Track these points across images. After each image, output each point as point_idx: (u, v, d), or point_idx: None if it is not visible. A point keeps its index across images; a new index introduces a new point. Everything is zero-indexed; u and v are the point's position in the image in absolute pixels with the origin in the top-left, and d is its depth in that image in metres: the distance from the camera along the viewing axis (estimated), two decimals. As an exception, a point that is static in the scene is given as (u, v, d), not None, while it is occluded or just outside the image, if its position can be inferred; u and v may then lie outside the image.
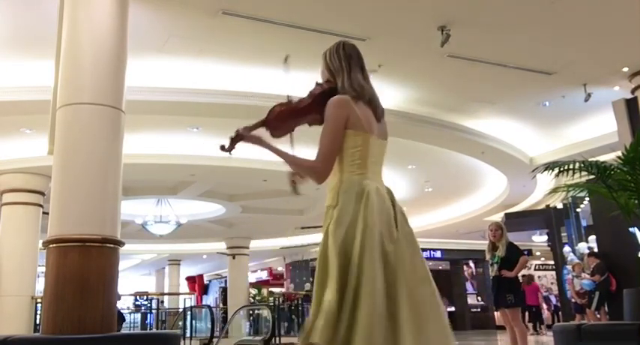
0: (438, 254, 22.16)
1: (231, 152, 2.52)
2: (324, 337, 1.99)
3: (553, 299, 18.61)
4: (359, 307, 2.03)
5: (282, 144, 2.50)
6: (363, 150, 2.31)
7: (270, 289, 23.83)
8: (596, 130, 10.25)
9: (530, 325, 15.29)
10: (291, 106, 2.46)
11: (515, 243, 6.67)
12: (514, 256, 6.40)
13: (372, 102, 2.39)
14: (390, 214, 2.25)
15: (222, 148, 2.53)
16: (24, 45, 6.95)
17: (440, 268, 23.95)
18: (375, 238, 2.14)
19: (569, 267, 12.25)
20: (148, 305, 22.57)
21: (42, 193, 10.75)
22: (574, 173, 5.10)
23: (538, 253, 21.75)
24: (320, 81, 2.54)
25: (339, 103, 2.32)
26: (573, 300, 11.19)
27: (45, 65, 6.34)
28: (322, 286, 2.15)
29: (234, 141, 2.51)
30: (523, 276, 15.23)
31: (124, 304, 21.75)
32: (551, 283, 19.43)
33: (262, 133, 2.50)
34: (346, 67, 2.45)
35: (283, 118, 2.46)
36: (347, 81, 2.41)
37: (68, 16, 5.16)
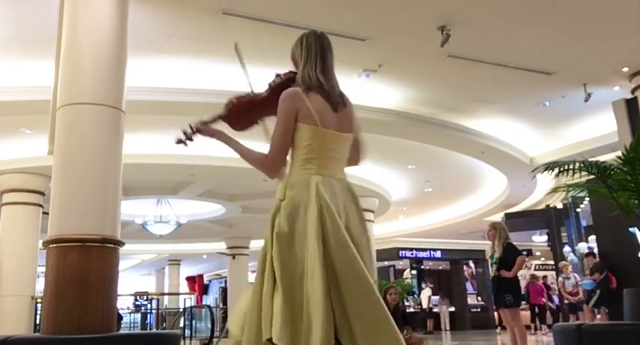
0: (438, 254, 22.17)
1: (187, 144, 2.47)
2: (283, 338, 2.03)
3: (556, 299, 18.60)
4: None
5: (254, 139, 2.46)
6: (315, 144, 2.26)
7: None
8: (596, 130, 10.25)
9: (531, 324, 15.27)
10: (247, 99, 2.46)
11: (515, 243, 6.68)
12: (512, 256, 6.40)
13: (327, 93, 2.31)
14: (336, 211, 2.16)
15: (178, 141, 2.48)
16: (24, 45, 6.95)
17: (440, 268, 23.97)
18: (316, 230, 2.11)
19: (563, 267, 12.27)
20: (148, 305, 22.57)
21: (42, 193, 10.75)
22: (574, 173, 5.10)
23: (538, 253, 21.76)
24: (280, 72, 2.53)
25: (289, 96, 2.28)
26: (567, 301, 11.20)
27: (45, 65, 6.34)
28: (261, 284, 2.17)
29: (189, 135, 2.46)
30: (533, 277, 15.25)
31: (124, 304, 21.74)
32: (552, 283, 19.40)
33: (223, 126, 2.47)
34: (305, 57, 2.43)
35: (242, 111, 2.45)
36: (304, 72, 2.37)
37: (68, 16, 5.16)
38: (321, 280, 2.02)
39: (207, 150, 10.49)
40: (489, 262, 6.65)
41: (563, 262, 11.93)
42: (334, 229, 2.11)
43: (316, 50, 2.42)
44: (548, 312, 15.83)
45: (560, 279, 11.70)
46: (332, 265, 2.07)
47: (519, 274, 6.71)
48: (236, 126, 2.48)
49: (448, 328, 19.85)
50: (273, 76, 2.49)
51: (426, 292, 20.71)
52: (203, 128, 2.48)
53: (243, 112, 2.44)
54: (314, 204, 2.14)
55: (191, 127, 2.45)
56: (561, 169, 5.14)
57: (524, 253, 7.35)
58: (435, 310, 20.29)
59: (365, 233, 2.28)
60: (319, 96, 2.29)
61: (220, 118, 2.46)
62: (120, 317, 12.18)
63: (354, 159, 2.47)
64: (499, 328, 17.13)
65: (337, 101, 2.33)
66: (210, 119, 2.46)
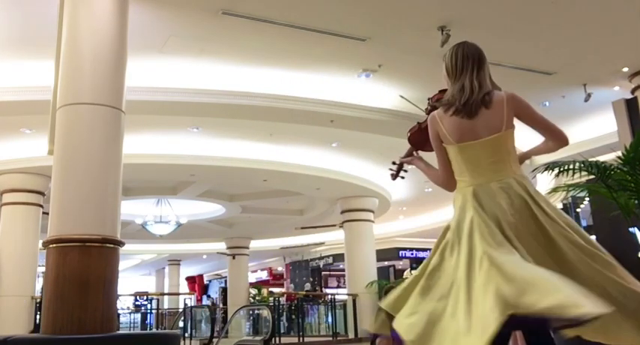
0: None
1: (403, 177, 2.84)
2: None
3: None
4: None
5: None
6: (460, 159, 2.39)
7: (270, 289, 23.82)
8: (596, 130, 10.24)
9: None
10: (417, 128, 2.70)
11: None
12: None
13: (462, 105, 2.39)
14: (497, 210, 2.22)
15: (394, 176, 2.85)
16: (24, 45, 6.95)
17: (440, 268, 23.94)
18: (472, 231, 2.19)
19: None
20: (148, 305, 22.57)
21: (42, 193, 10.75)
22: (574, 173, 5.10)
23: (538, 253, 21.71)
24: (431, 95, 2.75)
25: (429, 122, 2.48)
26: None
27: (45, 65, 6.34)
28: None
29: (398, 168, 2.83)
30: None
31: (124, 304, 21.74)
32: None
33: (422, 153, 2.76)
34: (452, 74, 2.52)
35: (419, 138, 2.67)
36: (448, 91, 2.50)
37: (68, 16, 5.17)
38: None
39: (207, 150, 10.54)
40: None
41: None
42: (484, 234, 2.15)
43: (462, 62, 2.50)
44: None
45: None
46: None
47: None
48: (426, 148, 2.67)
49: None
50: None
51: None
52: (404, 160, 2.76)
53: (421, 138, 2.64)
54: (466, 216, 2.25)
55: (395, 163, 2.81)
56: (561, 169, 5.14)
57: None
58: None
59: (551, 221, 2.24)
60: (454, 111, 2.39)
61: (412, 149, 2.74)
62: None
63: (551, 140, 2.61)
64: None
65: (471, 109, 2.38)
66: (406, 152, 2.76)
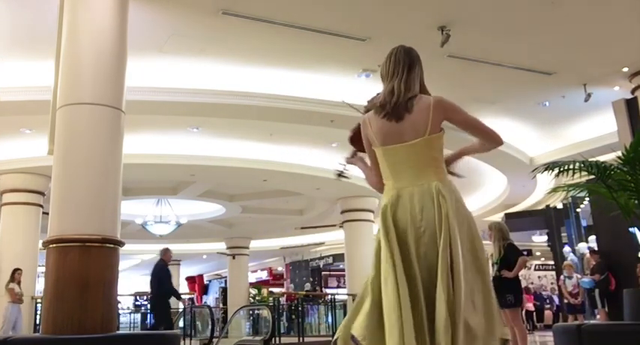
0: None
1: (348, 177, 2.85)
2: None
3: (556, 299, 18.64)
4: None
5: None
6: (385, 162, 2.43)
7: (270, 289, 23.83)
8: (596, 130, 10.24)
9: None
10: (355, 129, 2.68)
11: (515, 243, 6.67)
12: (513, 256, 6.40)
13: (386, 110, 2.41)
14: (413, 215, 2.29)
15: (338, 175, 2.86)
16: (24, 45, 6.95)
17: (440, 268, 23.95)
18: (389, 245, 2.27)
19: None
20: (148, 305, 22.55)
21: (42, 193, 10.75)
22: (574, 173, 5.09)
23: (538, 253, 21.74)
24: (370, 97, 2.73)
25: (361, 125, 2.53)
26: (566, 301, 11.20)
27: (45, 65, 6.34)
28: None
29: (343, 168, 2.84)
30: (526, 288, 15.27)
31: (124, 304, 21.72)
32: (552, 284, 19.40)
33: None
34: (385, 77, 2.54)
35: (359, 139, 2.63)
36: (380, 94, 2.53)
37: (68, 16, 5.17)
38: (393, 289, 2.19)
39: (207, 150, 10.54)
40: (490, 262, 6.63)
41: (567, 262, 11.92)
42: (394, 243, 2.27)
43: (396, 65, 2.55)
44: (545, 313, 15.94)
45: (561, 277, 11.69)
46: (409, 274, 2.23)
47: (520, 274, 6.70)
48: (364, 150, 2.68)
49: None
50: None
51: None
52: (349, 160, 2.77)
53: (358, 139, 2.63)
54: (381, 223, 2.33)
55: (341, 163, 2.82)
56: (561, 169, 5.13)
57: (524, 253, 7.33)
58: None
59: (449, 228, 2.26)
60: (384, 114, 2.42)
61: (353, 149, 2.75)
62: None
63: (486, 141, 2.57)
64: None
65: (396, 113, 2.40)
66: (350, 153, 2.77)
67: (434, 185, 2.32)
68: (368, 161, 2.60)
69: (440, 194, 2.29)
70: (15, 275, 9.71)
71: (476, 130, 2.53)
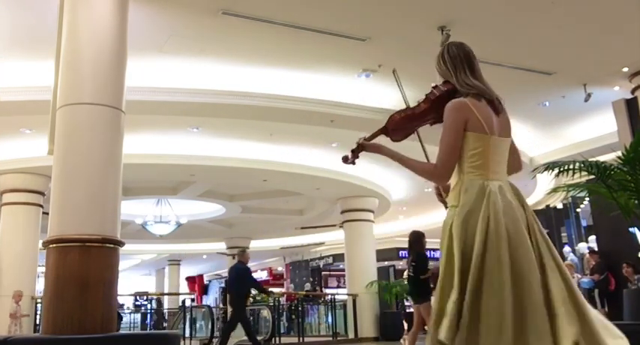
0: (438, 254, 22.08)
1: (355, 163, 2.52)
2: (448, 336, 2.07)
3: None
4: (480, 307, 2.09)
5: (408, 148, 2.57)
6: (484, 151, 2.31)
7: (270, 289, 23.81)
8: (596, 130, 10.24)
9: None
10: (409, 113, 2.53)
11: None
12: None
13: (489, 99, 2.38)
14: (515, 212, 2.23)
15: (345, 159, 2.54)
16: (24, 45, 6.95)
17: (440, 268, 23.94)
18: (500, 236, 2.16)
19: None
20: (148, 305, 22.57)
21: (42, 193, 10.75)
22: (574, 173, 5.09)
23: (538, 253, 21.72)
24: (435, 84, 2.59)
25: (457, 107, 2.34)
26: None
27: (45, 65, 6.34)
28: (445, 287, 2.19)
29: (355, 152, 2.52)
30: None
31: (124, 304, 21.72)
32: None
33: (381, 139, 2.53)
34: (453, 68, 2.48)
35: (402, 124, 2.53)
36: (460, 81, 2.43)
37: (68, 16, 5.17)
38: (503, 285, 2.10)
39: (207, 150, 10.54)
40: None
41: (567, 262, 11.93)
42: (514, 230, 2.18)
43: (462, 58, 2.51)
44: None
45: None
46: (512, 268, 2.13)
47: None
48: (395, 137, 2.54)
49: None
50: (430, 88, 2.57)
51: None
52: (367, 144, 2.50)
53: (403, 124, 2.52)
54: (493, 207, 2.20)
55: (357, 144, 2.51)
56: (561, 169, 5.13)
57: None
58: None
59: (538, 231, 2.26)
60: (484, 102, 2.36)
61: (381, 133, 2.51)
62: (120, 317, 12.18)
63: (515, 165, 2.49)
64: None
65: (497, 106, 2.39)
66: (371, 135, 2.51)
67: (509, 183, 2.34)
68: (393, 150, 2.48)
69: (520, 194, 2.32)
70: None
71: (515, 150, 2.50)
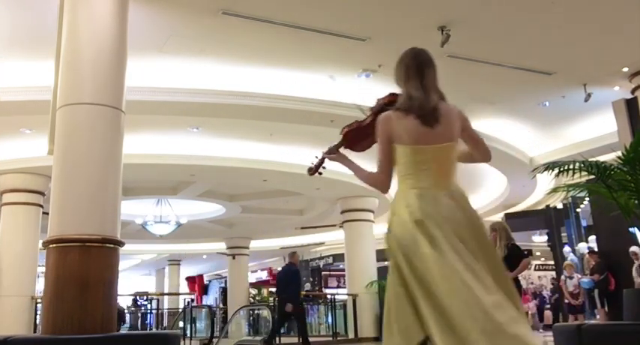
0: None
1: (321, 173, 2.75)
2: None
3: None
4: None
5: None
6: (410, 162, 2.43)
7: (270, 289, 23.82)
8: (596, 130, 10.24)
9: None
10: (355, 126, 2.67)
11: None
12: (516, 257, 6.39)
13: (420, 112, 2.45)
14: (438, 219, 2.30)
15: (309, 170, 2.75)
16: (24, 45, 6.95)
17: (440, 268, 23.94)
18: (401, 244, 2.31)
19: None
20: (148, 305, 22.55)
21: (42, 193, 10.75)
22: (574, 173, 5.09)
23: (538, 253, 21.74)
24: (381, 96, 2.71)
25: (382, 120, 2.49)
26: (567, 301, 11.21)
27: (45, 65, 6.34)
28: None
29: (319, 164, 2.74)
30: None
31: (124, 304, 21.72)
32: (552, 284, 19.37)
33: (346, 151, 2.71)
34: (404, 79, 2.58)
35: (355, 136, 2.66)
36: (405, 94, 2.53)
37: (68, 16, 5.17)
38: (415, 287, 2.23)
39: (207, 150, 10.54)
40: None
41: (567, 262, 11.93)
42: (429, 239, 2.26)
43: (415, 69, 2.59)
44: (545, 313, 15.94)
45: (562, 277, 11.71)
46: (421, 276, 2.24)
47: (521, 275, 6.71)
48: (356, 148, 2.72)
49: None
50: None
51: None
52: (328, 156, 2.70)
53: (356, 136, 2.67)
54: (409, 216, 2.32)
55: (321, 156, 2.71)
56: (561, 169, 5.13)
57: (525, 253, 7.33)
58: None
59: (475, 236, 2.33)
60: (412, 116, 2.45)
61: (340, 145, 2.69)
62: (122, 317, 12.18)
63: (483, 155, 2.65)
64: None
65: (429, 118, 2.45)
66: (333, 147, 2.69)
67: (456, 189, 2.44)
68: (352, 158, 2.65)
69: (466, 200, 2.42)
70: None
71: (478, 143, 2.62)
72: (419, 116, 2.43)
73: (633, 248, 9.12)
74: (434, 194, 2.36)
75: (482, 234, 2.39)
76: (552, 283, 17.95)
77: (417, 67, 2.59)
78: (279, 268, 28.41)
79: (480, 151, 2.62)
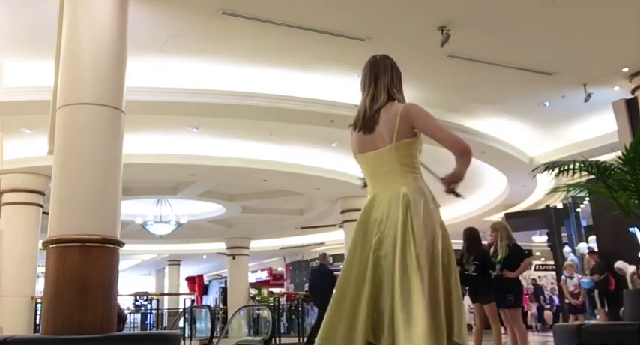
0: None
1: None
2: None
3: (556, 299, 18.66)
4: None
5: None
6: (363, 169, 2.64)
7: (270, 289, 23.83)
8: (596, 130, 10.24)
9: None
10: None
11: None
12: (517, 257, 6.40)
13: (359, 122, 2.61)
14: (377, 220, 2.46)
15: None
16: (24, 45, 6.95)
17: (440, 268, 23.94)
18: (351, 246, 2.49)
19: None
20: (148, 305, 22.57)
21: (42, 193, 10.75)
22: (574, 173, 5.09)
23: (538, 253, 21.74)
24: None
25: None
26: (567, 301, 11.22)
27: (45, 65, 6.34)
28: None
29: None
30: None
31: (124, 304, 21.73)
32: (552, 284, 19.38)
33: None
34: (361, 90, 2.70)
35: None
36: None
37: (68, 16, 5.16)
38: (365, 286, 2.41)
39: (207, 150, 10.54)
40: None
41: (568, 262, 11.94)
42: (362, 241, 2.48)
43: (368, 79, 2.68)
44: (545, 313, 15.93)
45: (562, 277, 11.72)
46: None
47: (521, 275, 6.71)
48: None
49: None
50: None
51: None
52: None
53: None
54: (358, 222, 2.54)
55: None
56: (561, 169, 5.13)
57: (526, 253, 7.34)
58: None
59: (405, 235, 2.39)
60: (356, 129, 2.64)
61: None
62: (122, 319, 12.14)
63: (451, 149, 2.54)
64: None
65: (366, 126, 2.57)
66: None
67: (401, 191, 2.44)
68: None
69: (404, 200, 2.42)
70: None
71: (437, 139, 2.56)
72: (360, 127, 2.59)
73: (618, 264, 9.16)
74: (383, 198, 2.48)
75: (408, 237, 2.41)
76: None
77: (370, 78, 2.66)
78: (280, 268, 28.40)
79: (443, 144, 2.55)
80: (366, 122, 2.56)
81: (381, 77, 2.63)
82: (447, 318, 2.34)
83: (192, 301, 23.01)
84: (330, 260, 23.23)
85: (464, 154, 2.50)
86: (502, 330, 6.67)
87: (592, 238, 11.97)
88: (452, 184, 2.55)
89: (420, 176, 2.57)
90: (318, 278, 10.19)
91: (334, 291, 2.43)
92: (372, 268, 2.37)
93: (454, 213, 16.56)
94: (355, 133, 2.61)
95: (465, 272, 6.39)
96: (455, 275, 2.49)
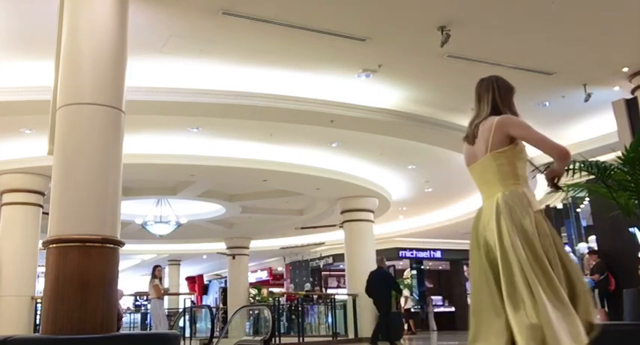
0: (438, 254, 22.15)
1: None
2: None
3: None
4: None
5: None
6: (473, 180, 2.95)
7: (270, 289, 23.83)
8: (596, 130, 10.24)
9: None
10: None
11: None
12: None
13: (467, 135, 2.93)
14: (483, 227, 2.73)
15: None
16: (24, 45, 6.95)
17: (440, 268, 23.95)
18: (472, 245, 2.80)
19: None
20: (148, 305, 22.53)
21: (42, 193, 10.75)
22: (574, 173, 5.10)
23: (538, 253, 21.72)
24: None
25: None
26: None
27: (45, 65, 6.34)
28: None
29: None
30: None
31: (124, 304, 21.72)
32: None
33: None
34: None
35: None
36: None
37: (68, 16, 5.17)
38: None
39: (207, 150, 10.54)
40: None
41: None
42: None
43: (481, 96, 3.02)
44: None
45: None
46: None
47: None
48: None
49: (435, 328, 20.54)
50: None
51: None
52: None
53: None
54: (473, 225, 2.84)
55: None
56: (561, 169, 5.12)
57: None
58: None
59: (506, 240, 2.61)
60: (466, 141, 2.95)
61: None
62: (118, 318, 12.20)
63: (549, 153, 2.78)
64: None
65: (469, 140, 2.89)
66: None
67: (497, 197, 2.69)
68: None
69: (498, 205, 2.66)
70: (156, 272, 11.27)
71: (534, 144, 2.80)
72: (466, 141, 2.92)
73: None
74: (485, 205, 2.79)
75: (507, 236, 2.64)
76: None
77: (476, 98, 3.03)
78: (280, 268, 28.41)
79: (541, 149, 2.78)
80: (468, 136, 2.89)
81: (484, 95, 2.97)
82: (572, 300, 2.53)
83: (193, 302, 23.00)
84: (330, 260, 23.34)
85: (562, 158, 2.76)
86: None
87: (592, 238, 11.96)
88: (553, 178, 2.79)
89: (521, 183, 2.76)
90: (377, 281, 10.88)
91: (470, 302, 2.74)
92: (491, 272, 2.63)
93: (454, 213, 16.58)
94: (464, 147, 2.94)
95: None
96: (565, 256, 2.75)
